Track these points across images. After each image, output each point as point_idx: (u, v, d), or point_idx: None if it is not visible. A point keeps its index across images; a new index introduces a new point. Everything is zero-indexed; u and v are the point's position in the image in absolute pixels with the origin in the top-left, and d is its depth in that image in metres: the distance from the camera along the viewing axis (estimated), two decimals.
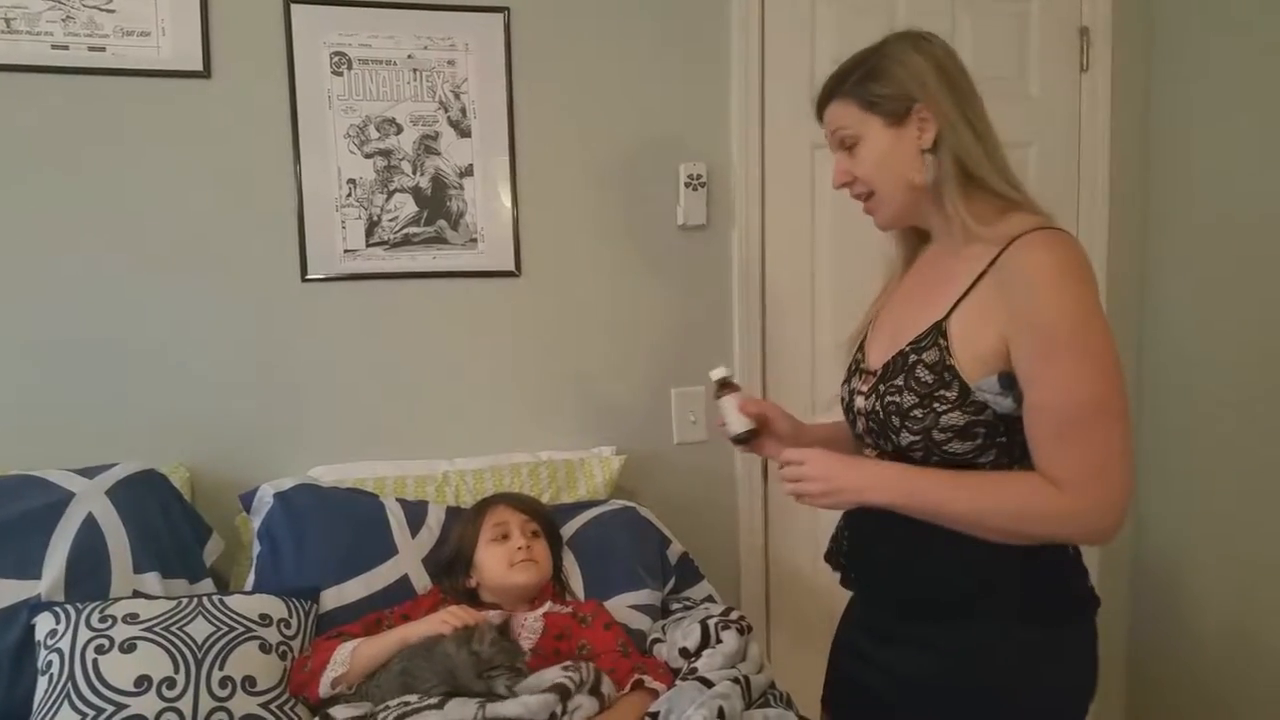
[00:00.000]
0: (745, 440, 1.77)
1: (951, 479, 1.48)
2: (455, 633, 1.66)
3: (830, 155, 1.63)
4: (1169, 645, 2.82)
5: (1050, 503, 1.41)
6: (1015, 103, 2.74)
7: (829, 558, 1.77)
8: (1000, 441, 1.46)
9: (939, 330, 1.48)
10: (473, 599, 1.97)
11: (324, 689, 1.71)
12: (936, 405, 1.47)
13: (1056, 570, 1.53)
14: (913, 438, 1.50)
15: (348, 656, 1.72)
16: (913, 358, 1.51)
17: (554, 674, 1.61)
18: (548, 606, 1.90)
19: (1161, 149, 2.78)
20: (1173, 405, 2.78)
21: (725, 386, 1.78)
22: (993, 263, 1.45)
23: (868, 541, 1.65)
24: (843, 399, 1.70)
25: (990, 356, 1.44)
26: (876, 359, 1.61)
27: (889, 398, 1.53)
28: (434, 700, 1.54)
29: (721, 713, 1.54)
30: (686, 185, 2.53)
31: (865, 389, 1.61)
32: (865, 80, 1.53)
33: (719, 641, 1.80)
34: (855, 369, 1.68)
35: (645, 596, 2.05)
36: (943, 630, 1.54)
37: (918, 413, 1.49)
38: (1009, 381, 1.42)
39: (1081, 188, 2.81)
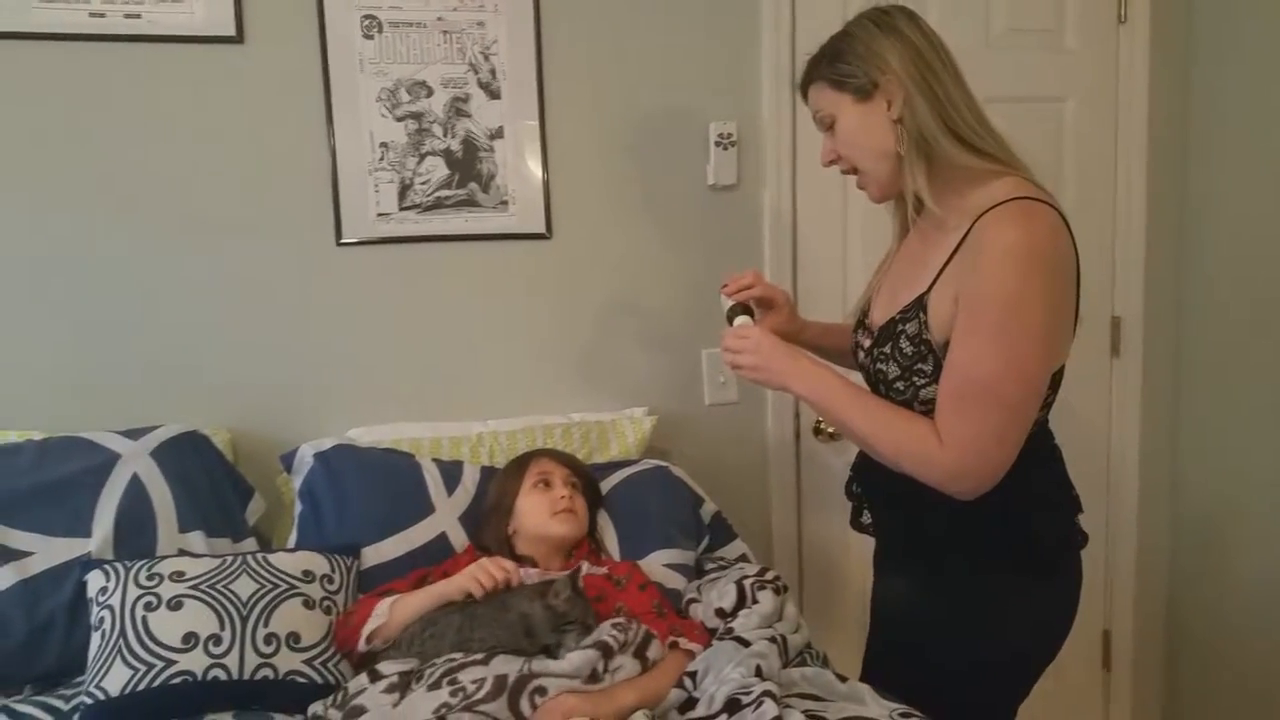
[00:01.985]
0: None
1: (860, 399, 1.60)
2: (528, 591, 1.69)
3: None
4: (1208, 601, 2.82)
5: (927, 452, 1.50)
6: (1052, 55, 2.71)
7: (846, 489, 1.91)
8: None
9: (921, 304, 1.55)
10: (509, 548, 2.00)
11: (361, 642, 1.75)
12: (915, 379, 1.55)
13: (1040, 523, 1.61)
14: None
15: (387, 610, 1.76)
16: (899, 327, 1.59)
17: (604, 630, 1.63)
18: (585, 568, 1.91)
19: (1202, 103, 2.73)
20: (1212, 365, 2.75)
21: (739, 312, 1.83)
22: (965, 237, 1.50)
23: (871, 477, 1.76)
24: (851, 347, 1.80)
25: (948, 325, 1.50)
26: (877, 318, 1.69)
27: (879, 364, 1.63)
28: (479, 656, 1.57)
29: (759, 671, 1.56)
30: (717, 144, 2.52)
31: (866, 345, 1.70)
32: (833, 61, 1.61)
33: (755, 602, 1.81)
34: (860, 323, 1.76)
35: (679, 555, 2.06)
36: (925, 565, 1.67)
37: (900, 385, 1.58)
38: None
39: (1119, 143, 2.77)
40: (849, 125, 1.61)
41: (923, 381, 1.54)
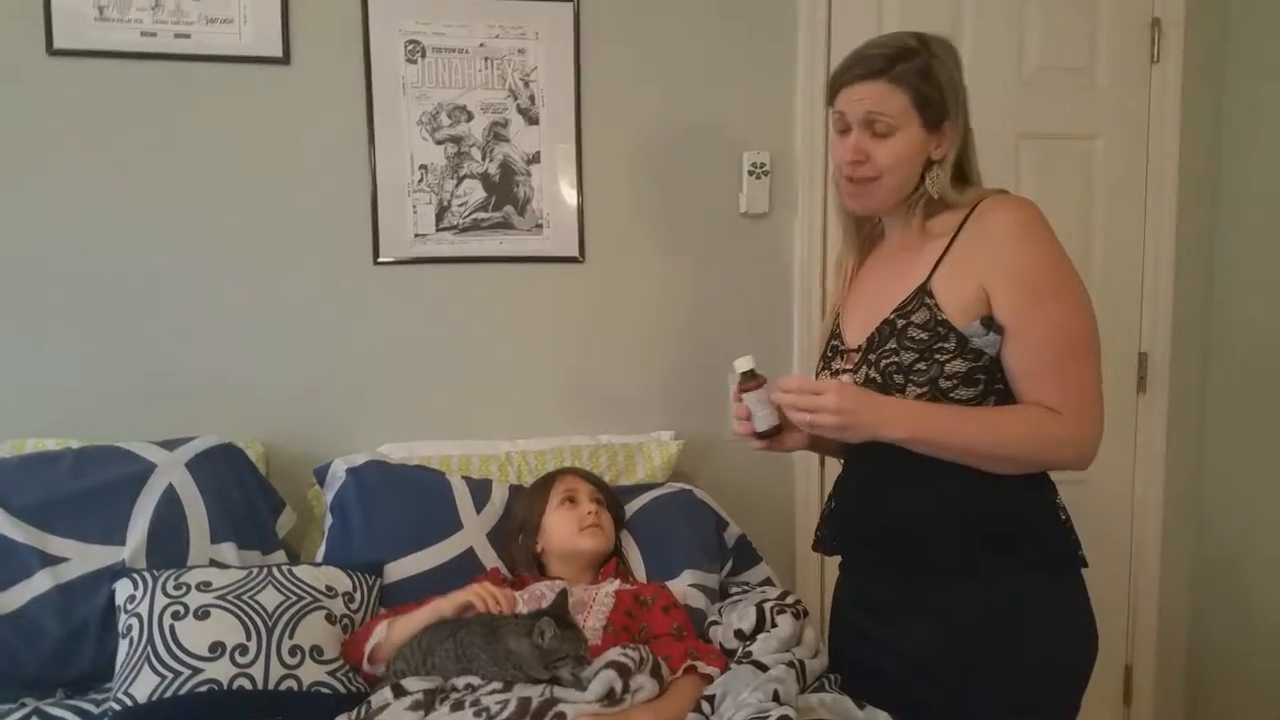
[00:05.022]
0: (770, 436, 1.71)
1: (963, 413, 1.57)
2: (516, 625, 1.67)
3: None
4: (1230, 640, 2.80)
5: (1057, 429, 1.53)
6: (1083, 94, 2.72)
7: (817, 546, 1.87)
8: (998, 388, 1.58)
9: (924, 292, 1.59)
10: (538, 567, 2.03)
11: (364, 661, 1.77)
12: (938, 356, 1.56)
13: (1059, 523, 1.63)
14: (919, 390, 1.58)
15: (384, 629, 1.78)
16: (900, 322, 1.60)
17: (615, 652, 1.63)
18: (616, 585, 1.93)
19: (1233, 144, 2.74)
20: (1238, 401, 2.74)
21: (751, 379, 1.69)
22: (962, 225, 1.58)
23: (864, 511, 1.73)
24: None
25: (971, 304, 1.55)
26: (855, 337, 1.69)
27: (886, 360, 1.61)
28: (499, 685, 1.58)
29: (777, 696, 1.55)
30: (750, 173, 2.54)
31: (850, 365, 1.68)
32: (919, 75, 1.57)
33: (774, 625, 1.81)
34: (834, 353, 1.75)
35: (703, 577, 2.07)
36: (941, 593, 1.62)
37: (921, 365, 1.58)
38: (989, 323, 1.54)
39: (1149, 182, 2.77)
40: (906, 144, 1.58)
41: (946, 357, 1.56)
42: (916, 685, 1.65)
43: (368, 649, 1.77)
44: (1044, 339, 1.53)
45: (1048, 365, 1.53)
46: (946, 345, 1.56)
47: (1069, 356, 1.53)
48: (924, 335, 1.58)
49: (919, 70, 1.57)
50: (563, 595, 1.77)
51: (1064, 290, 1.54)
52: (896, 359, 1.60)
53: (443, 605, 1.76)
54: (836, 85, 1.65)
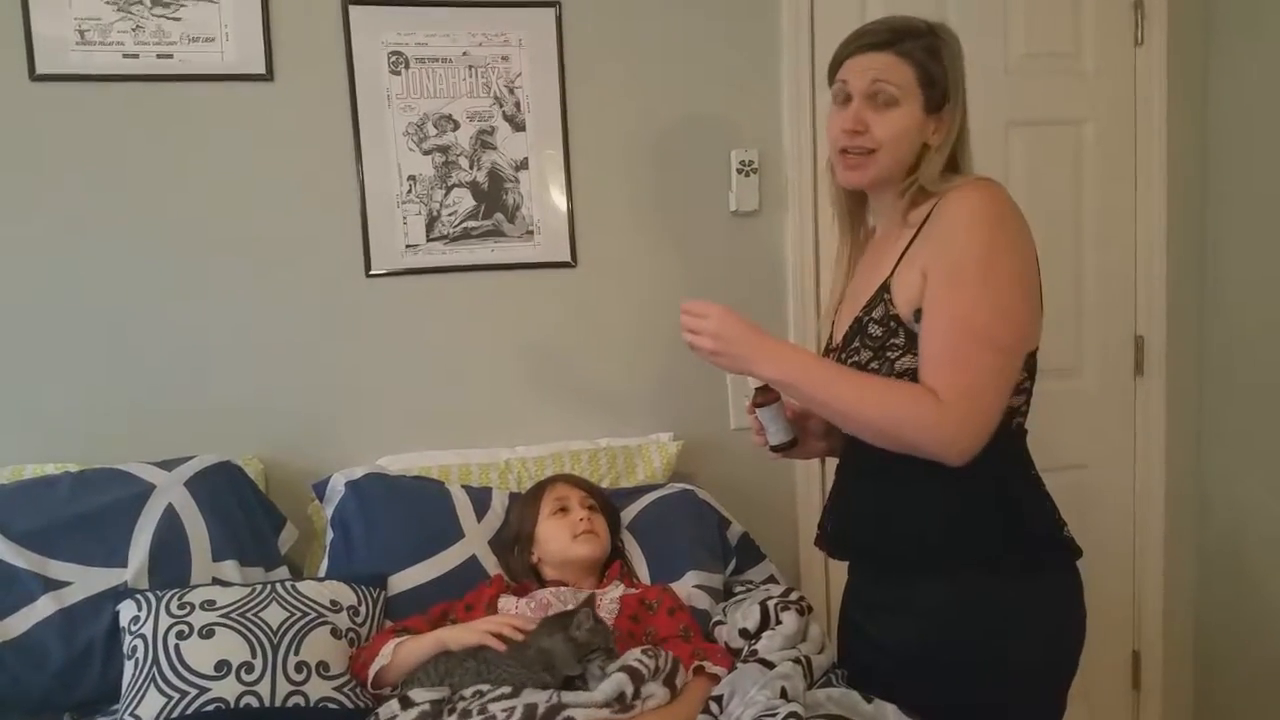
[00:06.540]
0: (785, 449, 1.74)
1: (842, 373, 1.57)
2: (546, 626, 1.67)
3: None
4: (1237, 621, 2.79)
5: (925, 412, 1.47)
6: (1069, 79, 2.72)
7: (817, 542, 1.86)
8: None
9: (884, 288, 1.57)
10: (536, 576, 2.03)
11: (369, 682, 1.77)
12: (889, 354, 1.55)
13: (1031, 520, 1.60)
14: None
15: (390, 652, 1.77)
16: (865, 319, 1.60)
17: (633, 656, 1.63)
18: (621, 589, 1.93)
19: (1220, 124, 2.74)
20: (1237, 387, 2.74)
21: (766, 393, 1.69)
22: (927, 218, 1.55)
23: (845, 505, 1.74)
24: None
25: (915, 296, 1.52)
26: (838, 334, 1.70)
27: (850, 359, 1.61)
28: (507, 690, 1.58)
29: (784, 693, 1.55)
30: (738, 172, 2.54)
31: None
32: (926, 53, 1.57)
33: (779, 623, 1.81)
34: (826, 351, 1.75)
35: (707, 577, 2.08)
36: (917, 590, 1.62)
37: (874, 365, 1.57)
38: (920, 314, 1.51)
39: (1138, 166, 2.77)
40: (906, 121, 1.57)
41: (896, 355, 1.55)
42: (899, 681, 1.65)
43: (372, 673, 1.77)
44: (943, 323, 1.49)
45: (941, 350, 1.48)
46: (897, 341, 1.55)
47: (962, 344, 1.47)
48: (879, 332, 1.57)
49: (926, 48, 1.57)
50: (590, 597, 1.77)
51: (985, 280, 1.47)
52: (857, 359, 1.60)
53: (448, 640, 1.75)
54: (841, 57, 1.64)
